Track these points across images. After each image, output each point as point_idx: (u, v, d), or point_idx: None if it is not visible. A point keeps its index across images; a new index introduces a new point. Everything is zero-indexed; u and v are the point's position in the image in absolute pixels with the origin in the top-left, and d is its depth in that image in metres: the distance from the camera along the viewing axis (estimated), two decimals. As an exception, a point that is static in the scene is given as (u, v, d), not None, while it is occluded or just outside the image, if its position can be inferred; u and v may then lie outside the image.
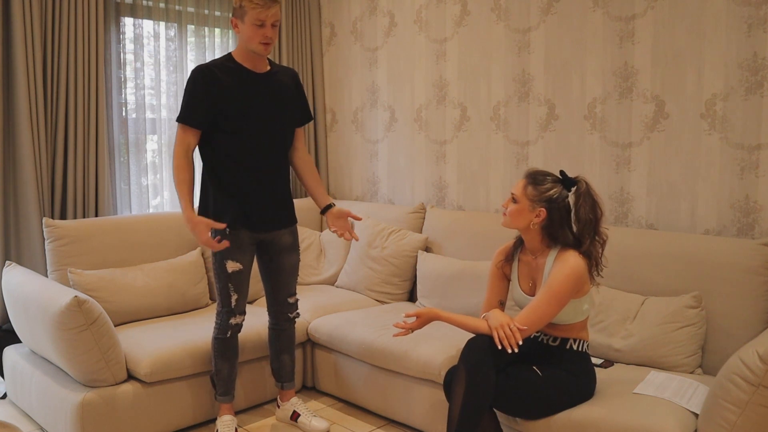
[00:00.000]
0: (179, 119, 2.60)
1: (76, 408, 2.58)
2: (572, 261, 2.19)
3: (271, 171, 2.72)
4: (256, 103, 2.64)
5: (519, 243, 2.41)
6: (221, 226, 2.59)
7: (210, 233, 2.57)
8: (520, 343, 2.14)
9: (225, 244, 2.58)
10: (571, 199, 2.28)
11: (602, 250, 2.28)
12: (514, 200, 2.30)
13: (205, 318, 3.22)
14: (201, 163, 2.73)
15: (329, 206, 2.82)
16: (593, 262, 2.25)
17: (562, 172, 2.30)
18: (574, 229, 2.27)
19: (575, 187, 2.27)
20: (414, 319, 2.35)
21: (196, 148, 2.67)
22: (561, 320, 2.28)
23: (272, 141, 2.70)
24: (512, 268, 2.42)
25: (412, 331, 2.35)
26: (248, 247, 2.72)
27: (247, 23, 2.55)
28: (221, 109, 2.59)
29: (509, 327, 2.15)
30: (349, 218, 2.81)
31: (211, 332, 2.93)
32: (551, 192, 2.25)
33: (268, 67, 2.72)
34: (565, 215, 2.26)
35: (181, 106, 2.61)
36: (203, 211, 2.69)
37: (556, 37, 3.26)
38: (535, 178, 2.28)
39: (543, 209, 2.25)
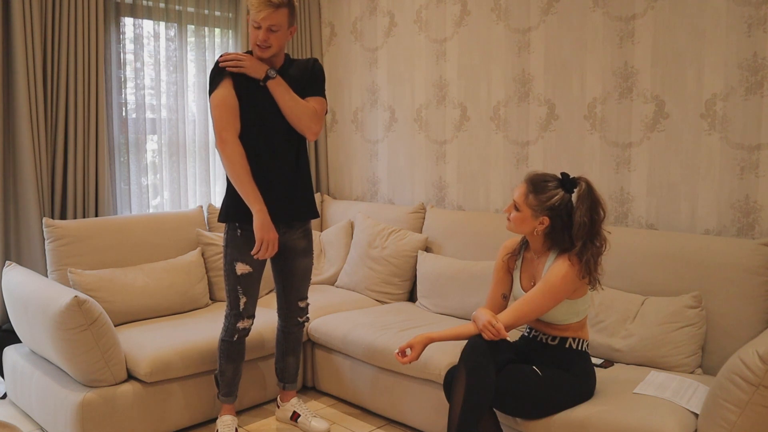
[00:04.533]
0: (212, 91, 2.60)
1: (76, 408, 2.58)
2: (567, 265, 2.20)
3: (283, 169, 2.67)
4: (265, 100, 2.61)
5: (525, 240, 2.41)
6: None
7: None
8: (507, 337, 2.21)
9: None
10: (574, 198, 2.26)
11: (597, 259, 2.21)
12: (516, 207, 2.29)
13: (205, 318, 3.22)
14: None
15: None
16: (584, 267, 2.18)
17: (563, 174, 2.28)
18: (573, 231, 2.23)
19: (576, 189, 2.25)
20: (409, 351, 2.35)
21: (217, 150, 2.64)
22: (557, 320, 2.28)
23: (282, 139, 2.65)
24: (516, 265, 2.43)
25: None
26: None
27: (250, 23, 2.56)
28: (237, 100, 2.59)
29: (492, 325, 2.18)
30: None
31: (212, 332, 2.94)
32: (554, 200, 2.22)
33: (283, 62, 2.69)
34: (567, 221, 2.24)
35: (210, 88, 2.61)
36: (222, 209, 2.68)
37: (556, 37, 3.26)
38: (536, 185, 2.25)
39: (546, 217, 2.24)
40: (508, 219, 2.32)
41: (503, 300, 2.45)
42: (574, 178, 2.26)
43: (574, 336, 2.30)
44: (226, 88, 2.58)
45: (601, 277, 2.27)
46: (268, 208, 2.60)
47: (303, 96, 2.69)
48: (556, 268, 2.21)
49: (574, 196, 2.25)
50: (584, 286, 2.26)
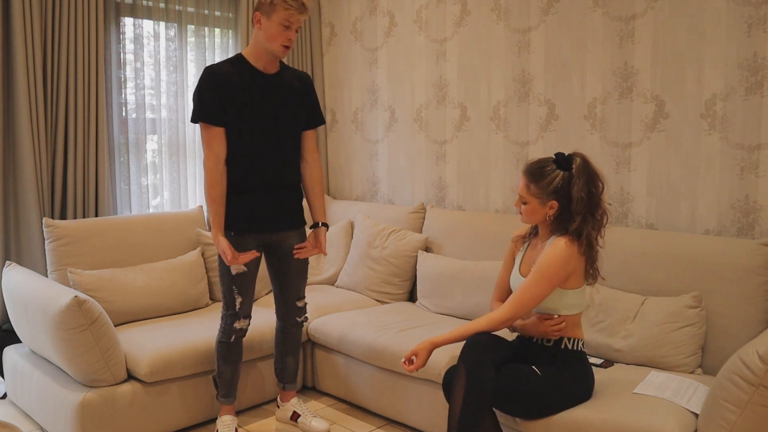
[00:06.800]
0: (196, 119, 2.58)
1: (76, 408, 2.58)
2: (561, 243, 2.20)
3: (277, 173, 2.69)
4: (262, 105, 2.62)
5: (535, 227, 2.42)
6: (245, 258, 2.58)
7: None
8: (563, 324, 2.25)
9: (253, 254, 2.59)
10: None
11: (599, 231, 2.22)
12: (523, 201, 2.29)
13: (205, 318, 3.22)
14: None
15: (317, 224, 2.79)
16: (584, 241, 2.18)
17: (558, 154, 2.26)
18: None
19: (573, 165, 2.23)
20: (414, 358, 2.32)
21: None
22: (548, 308, 2.26)
23: (278, 143, 2.67)
24: (522, 248, 2.43)
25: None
26: (253, 250, 2.70)
27: (274, 21, 2.50)
28: (229, 109, 2.58)
29: (550, 323, 2.24)
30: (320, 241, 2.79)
31: (212, 332, 2.94)
32: (555, 183, 2.22)
33: (278, 69, 2.69)
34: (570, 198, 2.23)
35: (194, 107, 2.60)
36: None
37: (556, 37, 3.26)
38: (534, 173, 2.26)
39: (554, 201, 2.24)
40: (520, 213, 2.32)
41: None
42: (569, 155, 2.25)
43: (570, 336, 2.29)
44: (221, 141, 2.58)
45: (599, 269, 2.27)
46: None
47: (301, 108, 2.72)
48: (549, 249, 2.22)
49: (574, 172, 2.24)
50: (578, 277, 2.24)
